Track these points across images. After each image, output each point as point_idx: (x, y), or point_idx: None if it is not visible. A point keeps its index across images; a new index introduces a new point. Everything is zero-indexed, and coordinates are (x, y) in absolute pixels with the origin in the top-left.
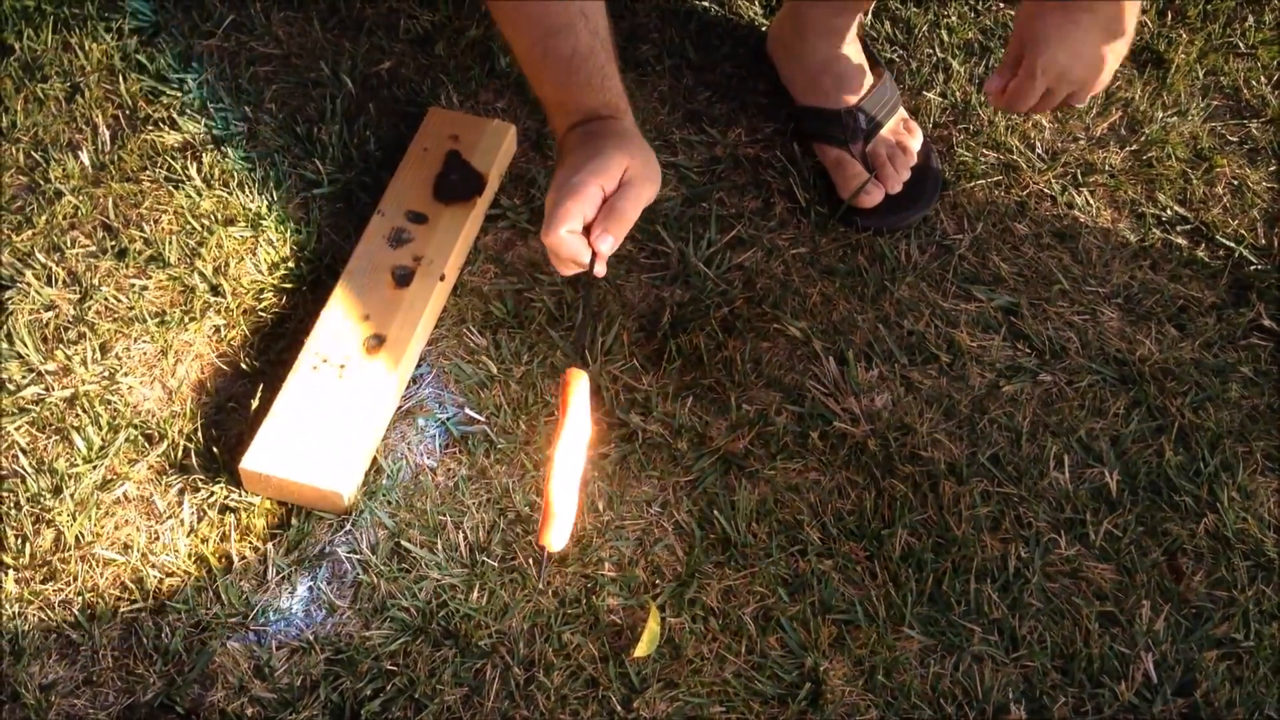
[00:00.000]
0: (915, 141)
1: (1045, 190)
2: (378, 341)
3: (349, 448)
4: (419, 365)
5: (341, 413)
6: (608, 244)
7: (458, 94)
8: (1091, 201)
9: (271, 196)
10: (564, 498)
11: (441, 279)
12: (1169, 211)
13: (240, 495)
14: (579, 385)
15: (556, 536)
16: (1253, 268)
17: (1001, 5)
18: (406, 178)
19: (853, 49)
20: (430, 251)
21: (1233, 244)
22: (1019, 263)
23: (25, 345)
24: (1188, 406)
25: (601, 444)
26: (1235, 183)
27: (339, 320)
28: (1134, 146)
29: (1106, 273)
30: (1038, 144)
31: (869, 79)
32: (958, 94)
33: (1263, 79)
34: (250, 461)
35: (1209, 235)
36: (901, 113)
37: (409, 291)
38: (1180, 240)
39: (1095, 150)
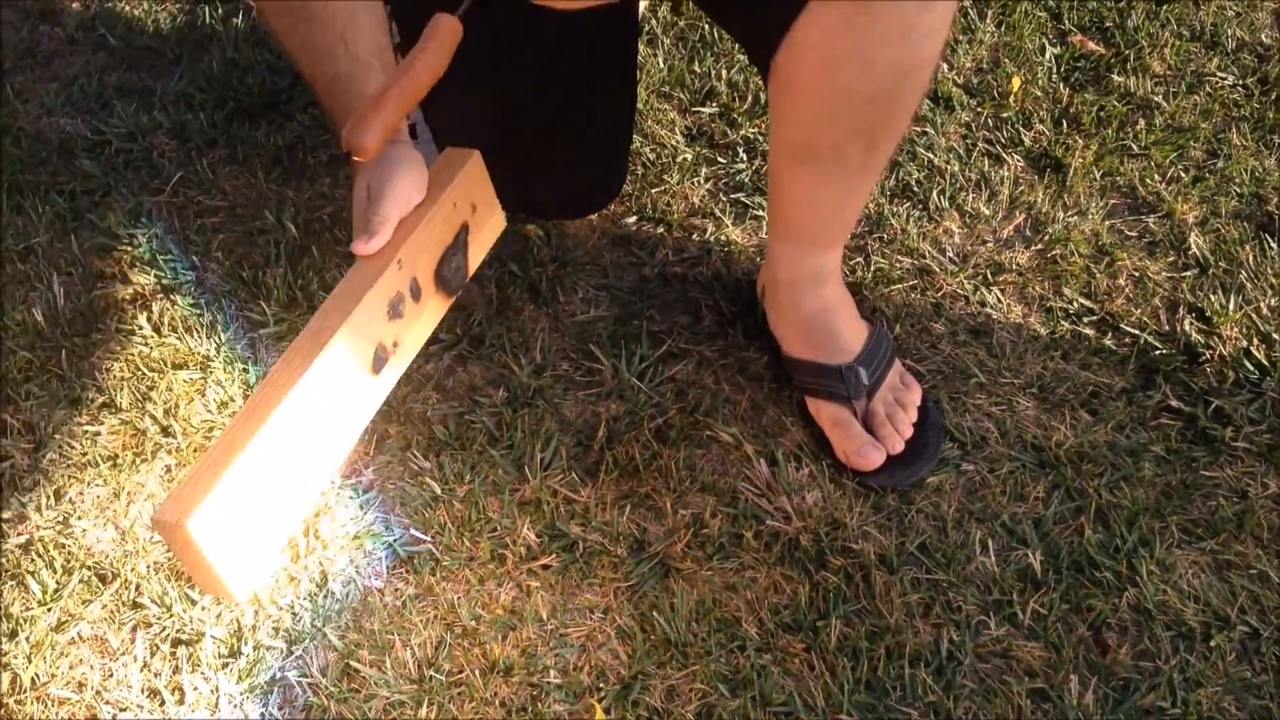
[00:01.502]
0: (914, 396)
1: (958, 291)
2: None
3: (271, 550)
4: (366, 492)
5: (283, 505)
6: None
7: None
8: (1002, 299)
9: (219, 339)
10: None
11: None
12: (1075, 304)
13: (192, 628)
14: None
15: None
16: (1157, 353)
17: (902, 139)
18: (428, 234)
19: (841, 300)
20: (407, 343)
21: (1137, 331)
22: (937, 360)
23: None
24: (1104, 487)
25: (543, 555)
26: (1136, 274)
27: (324, 384)
28: (1039, 246)
29: (1020, 365)
30: (948, 248)
31: (864, 333)
32: (870, 206)
33: (1157, 176)
34: (195, 524)
35: (1115, 324)
36: (898, 365)
37: (379, 381)
38: (1088, 331)
39: (1003, 251)
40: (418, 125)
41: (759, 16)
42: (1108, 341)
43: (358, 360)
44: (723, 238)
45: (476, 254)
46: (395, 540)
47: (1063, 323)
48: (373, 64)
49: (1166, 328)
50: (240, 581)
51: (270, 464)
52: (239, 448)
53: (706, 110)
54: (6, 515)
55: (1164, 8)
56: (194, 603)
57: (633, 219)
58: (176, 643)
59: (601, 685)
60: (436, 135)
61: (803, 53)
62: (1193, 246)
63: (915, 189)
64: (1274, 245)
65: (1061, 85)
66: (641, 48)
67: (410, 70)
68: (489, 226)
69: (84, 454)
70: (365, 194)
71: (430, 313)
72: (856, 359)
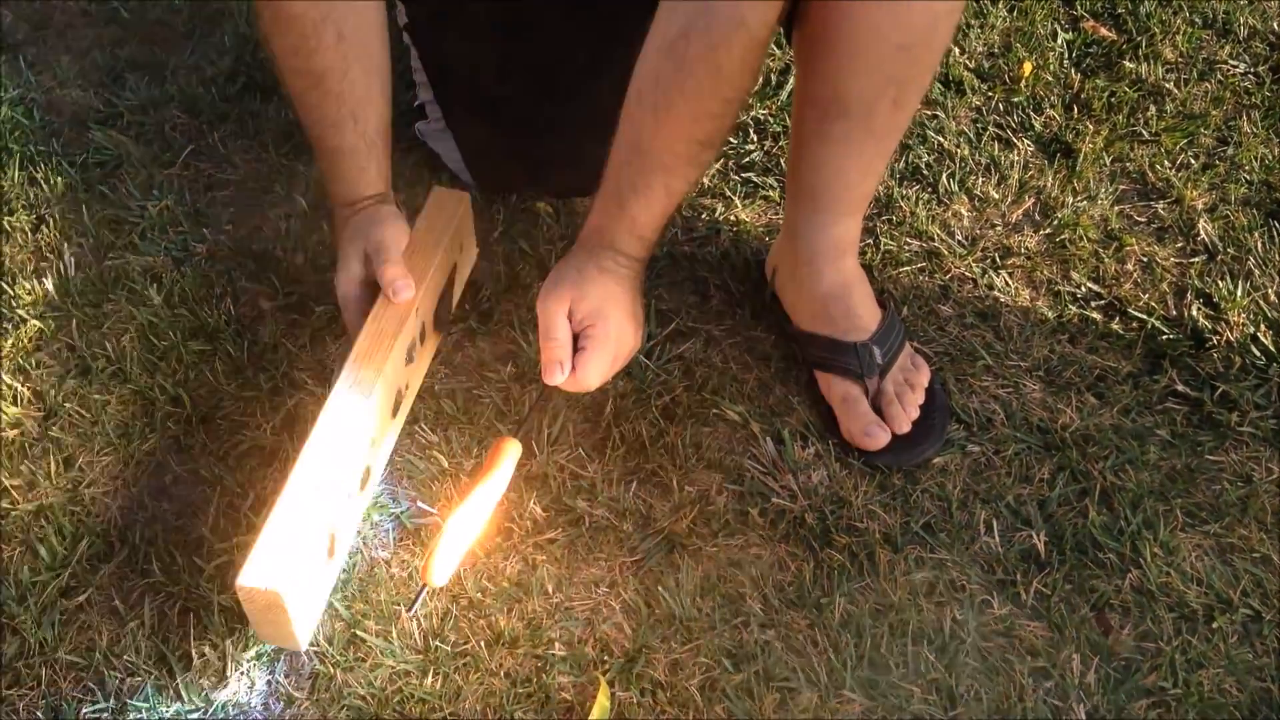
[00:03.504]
0: (923, 377)
1: (966, 274)
2: (366, 475)
3: (323, 593)
4: None
5: (331, 547)
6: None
7: (405, 208)
8: (1010, 282)
9: (230, 311)
10: (456, 538)
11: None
12: (1084, 289)
13: (200, 595)
14: (508, 454)
15: (438, 572)
16: (1164, 338)
17: (920, 106)
18: (433, 280)
19: (859, 277)
20: (413, 385)
21: (1145, 316)
22: (944, 342)
23: None
24: (1109, 469)
25: (549, 529)
26: (1145, 260)
27: (358, 432)
28: (1048, 230)
29: (1027, 347)
30: (957, 231)
31: (878, 312)
32: (880, 188)
33: (1167, 163)
34: (247, 578)
35: (1122, 309)
36: (908, 347)
37: (395, 423)
38: (1095, 315)
39: (1012, 235)
40: (427, 105)
41: None
42: (1115, 326)
43: (386, 407)
44: (732, 218)
45: (459, 290)
46: (402, 512)
47: (1070, 307)
48: (376, 142)
49: (1174, 313)
50: (305, 628)
51: (315, 510)
52: (283, 498)
53: None
54: (16, 483)
55: None
56: (201, 570)
57: None
58: (184, 610)
59: (606, 658)
60: (448, 114)
61: None
62: (1201, 233)
63: (925, 172)
64: None
65: (1073, 70)
66: None
67: (472, 504)
68: (468, 262)
69: (94, 423)
70: (359, 252)
71: (428, 353)
72: (872, 337)
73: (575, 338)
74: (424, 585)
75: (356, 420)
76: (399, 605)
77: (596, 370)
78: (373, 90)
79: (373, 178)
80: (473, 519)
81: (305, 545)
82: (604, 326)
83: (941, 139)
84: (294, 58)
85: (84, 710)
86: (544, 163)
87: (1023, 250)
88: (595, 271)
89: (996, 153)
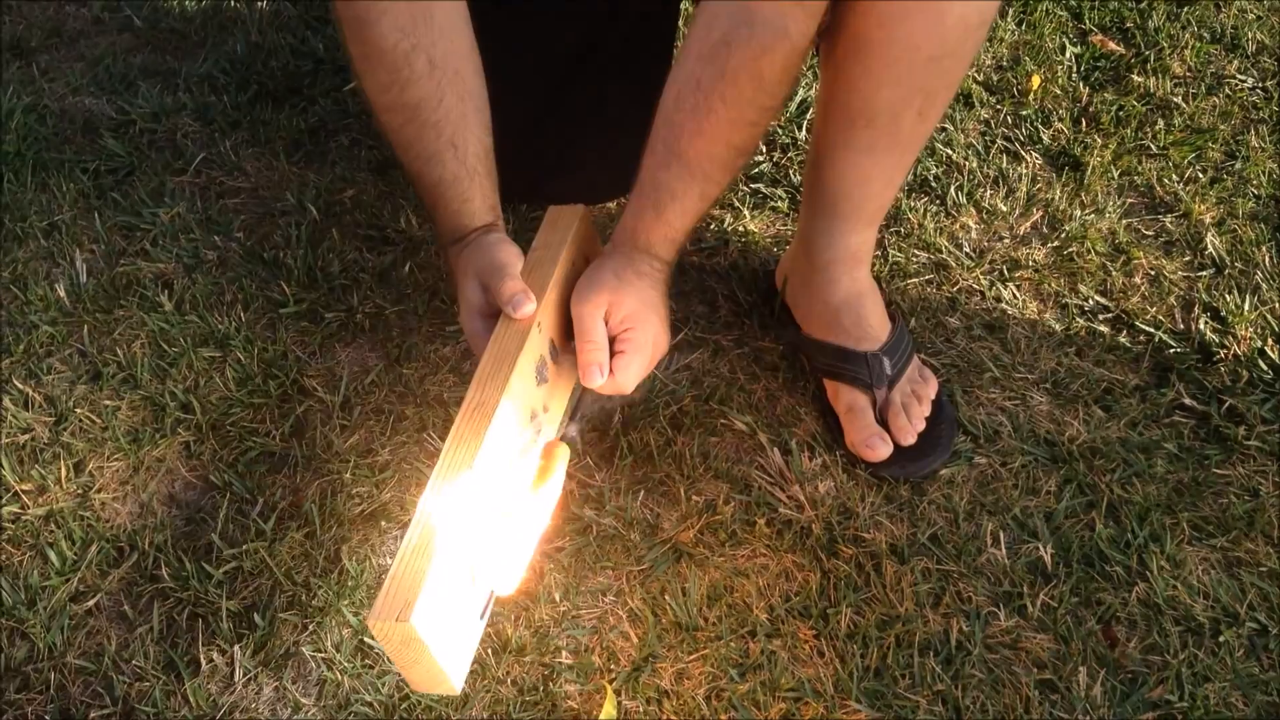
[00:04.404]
0: (930, 389)
1: (974, 286)
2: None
3: (476, 635)
4: (382, 471)
5: (481, 586)
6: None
7: (416, 217)
8: (1018, 295)
9: (240, 318)
10: (519, 546)
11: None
12: (1091, 301)
13: (208, 600)
14: (560, 458)
15: (505, 584)
16: (1172, 351)
17: None
18: (556, 294)
19: (872, 287)
20: (553, 406)
21: (1152, 330)
22: (952, 354)
23: (3, 467)
24: (1116, 482)
25: (557, 538)
26: (1152, 273)
27: (497, 458)
28: (1055, 243)
29: (1034, 360)
30: (965, 243)
31: (888, 323)
32: None
33: (1174, 177)
34: (417, 618)
35: (1129, 322)
36: (916, 359)
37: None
38: (1103, 328)
39: (1019, 247)
40: None
41: None
42: (1122, 339)
43: (521, 430)
44: (740, 228)
45: None
46: (410, 520)
47: (1078, 319)
48: (478, 169)
49: (1181, 326)
50: (458, 670)
51: (466, 545)
52: (435, 533)
53: None
54: (27, 487)
55: (1185, 9)
56: (210, 576)
57: None
58: (193, 615)
59: (613, 666)
60: None
61: (874, 6)
62: (1209, 246)
63: (934, 184)
64: None
65: (1081, 84)
66: None
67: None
68: None
69: (104, 428)
70: (474, 283)
71: (567, 372)
72: (882, 348)
73: (611, 340)
74: (491, 594)
75: (486, 445)
76: None
77: (635, 373)
78: (468, 116)
79: (477, 207)
80: (533, 525)
81: (438, 575)
82: (642, 330)
83: (950, 151)
84: (387, 93)
85: (92, 715)
86: (560, 174)
87: (1030, 263)
88: (632, 275)
89: (1005, 165)
